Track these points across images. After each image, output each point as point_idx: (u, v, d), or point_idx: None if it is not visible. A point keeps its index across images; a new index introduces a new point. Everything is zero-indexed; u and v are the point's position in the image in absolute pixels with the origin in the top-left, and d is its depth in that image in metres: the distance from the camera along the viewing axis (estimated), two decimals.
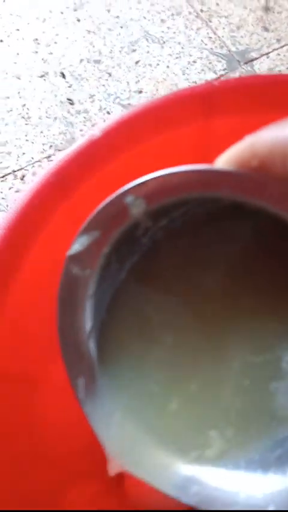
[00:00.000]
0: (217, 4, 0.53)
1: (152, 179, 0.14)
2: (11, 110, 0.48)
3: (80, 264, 0.15)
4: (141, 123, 0.19)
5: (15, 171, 0.45)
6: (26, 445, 0.23)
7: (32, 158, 0.45)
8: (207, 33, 0.51)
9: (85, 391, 0.16)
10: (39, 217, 0.18)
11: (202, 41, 0.51)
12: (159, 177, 0.14)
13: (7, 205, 0.43)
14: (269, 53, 0.50)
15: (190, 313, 0.16)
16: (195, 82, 0.48)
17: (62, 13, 0.54)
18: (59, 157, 0.19)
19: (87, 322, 0.16)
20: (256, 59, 0.49)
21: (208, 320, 0.16)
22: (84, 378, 0.16)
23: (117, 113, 0.47)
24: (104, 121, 0.45)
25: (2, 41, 0.52)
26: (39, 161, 0.45)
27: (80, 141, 0.19)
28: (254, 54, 0.50)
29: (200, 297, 0.16)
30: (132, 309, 0.16)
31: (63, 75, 0.50)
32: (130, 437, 0.16)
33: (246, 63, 0.49)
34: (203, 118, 0.19)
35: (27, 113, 0.48)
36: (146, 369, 0.16)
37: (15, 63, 0.51)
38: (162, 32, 0.51)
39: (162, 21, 0.52)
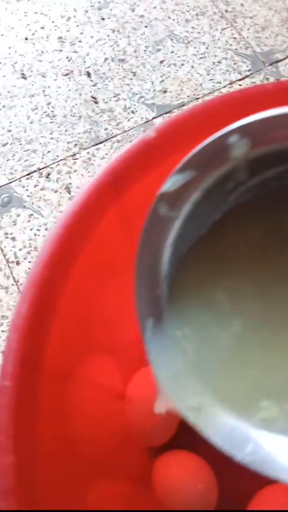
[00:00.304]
0: (242, 5, 0.53)
1: (259, 120, 0.14)
2: (36, 108, 0.48)
3: (168, 204, 0.15)
4: (195, 124, 0.19)
5: (40, 169, 0.45)
6: (58, 438, 0.23)
7: (57, 156, 0.46)
8: (232, 33, 0.51)
9: (151, 332, 0.16)
10: (92, 217, 0.18)
11: (227, 41, 0.50)
12: (268, 117, 0.14)
13: (32, 203, 0.44)
14: None
15: (262, 282, 0.16)
16: (220, 82, 0.48)
17: (86, 12, 0.54)
18: (114, 157, 0.19)
19: (164, 267, 0.16)
20: (281, 60, 0.49)
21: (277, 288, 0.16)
22: (153, 320, 0.16)
23: (143, 112, 0.47)
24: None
25: (26, 38, 0.53)
26: (64, 159, 0.45)
27: (135, 141, 0.19)
28: (279, 56, 0.49)
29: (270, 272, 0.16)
30: (206, 263, 0.16)
31: (88, 74, 0.50)
32: (187, 384, 0.16)
33: (271, 64, 0.49)
34: None
35: (52, 111, 0.48)
36: (215, 320, 0.16)
37: (40, 61, 0.51)
38: (187, 32, 0.51)
39: (187, 21, 0.52)
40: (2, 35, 0.53)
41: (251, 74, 0.49)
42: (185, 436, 0.32)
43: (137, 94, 0.48)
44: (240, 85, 0.48)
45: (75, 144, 0.46)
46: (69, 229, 0.18)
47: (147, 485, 0.30)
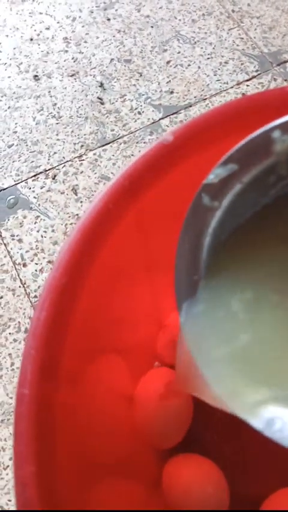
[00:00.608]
0: (249, 5, 0.52)
1: None
2: (41, 109, 0.48)
3: (211, 194, 0.16)
4: (212, 128, 0.19)
5: (46, 171, 0.45)
6: (73, 444, 0.23)
7: (64, 158, 0.45)
8: (239, 33, 0.51)
9: (187, 315, 0.17)
10: (111, 221, 0.18)
11: (234, 41, 0.50)
12: None
13: (39, 204, 0.43)
14: None
15: None
16: (227, 83, 0.48)
17: (91, 12, 0.54)
18: (132, 160, 0.19)
19: (204, 254, 0.17)
20: None
21: None
22: (190, 303, 0.17)
23: (149, 113, 0.47)
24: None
25: (31, 39, 0.52)
26: (70, 161, 0.45)
27: (152, 145, 0.19)
28: (286, 56, 0.49)
29: None
30: (244, 252, 0.17)
31: (94, 75, 0.50)
32: (222, 367, 0.17)
33: (279, 64, 0.49)
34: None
35: (58, 112, 0.48)
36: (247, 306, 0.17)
37: (45, 62, 0.51)
38: (194, 32, 0.51)
39: (194, 21, 0.52)
40: (7, 35, 0.53)
41: (259, 74, 0.48)
42: (195, 439, 0.32)
43: (143, 95, 0.48)
44: (247, 85, 0.48)
45: (82, 145, 0.46)
46: (86, 234, 0.18)
47: (157, 488, 0.30)
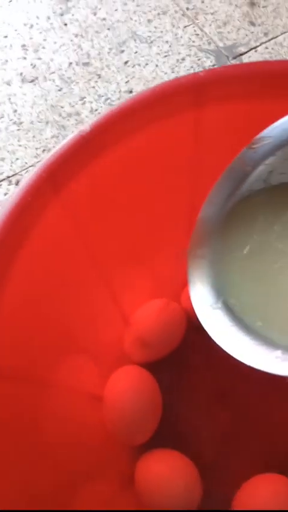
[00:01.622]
0: (202, 1, 0.53)
1: None
2: (2, 117, 0.48)
3: (246, 161, 0.18)
4: (131, 117, 0.19)
5: (9, 177, 0.45)
6: (34, 445, 0.23)
7: (26, 163, 0.45)
8: (194, 30, 0.51)
9: (196, 261, 0.19)
10: (32, 214, 0.18)
11: (190, 38, 0.51)
12: None
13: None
14: (257, 46, 0.50)
15: None
16: None
17: (49, 18, 0.54)
18: (50, 153, 0.19)
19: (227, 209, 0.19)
20: (244, 53, 0.49)
21: None
22: (202, 256, 0.19)
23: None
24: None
25: None
26: (33, 166, 0.45)
27: (71, 137, 0.19)
28: (242, 49, 0.50)
29: None
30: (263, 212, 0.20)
31: (53, 80, 0.50)
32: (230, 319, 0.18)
33: (234, 57, 0.49)
34: (193, 108, 0.19)
35: (18, 119, 0.48)
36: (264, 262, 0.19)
37: (4, 69, 0.51)
38: (150, 31, 0.52)
39: (149, 21, 0.52)
40: None
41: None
42: (167, 435, 0.31)
43: (102, 96, 0.48)
44: None
45: (44, 150, 0.46)
46: (5, 227, 0.17)
47: (130, 486, 0.30)
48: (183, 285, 0.35)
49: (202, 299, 0.19)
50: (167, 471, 0.29)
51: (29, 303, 0.19)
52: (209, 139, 0.20)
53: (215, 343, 0.20)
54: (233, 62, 0.49)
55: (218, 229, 0.20)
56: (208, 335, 0.34)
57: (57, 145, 0.19)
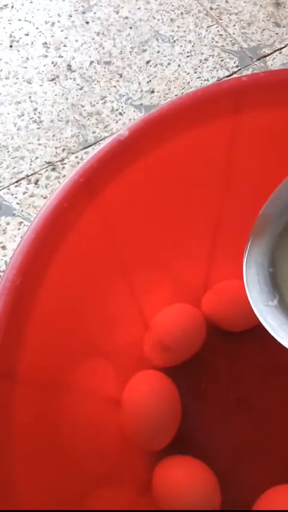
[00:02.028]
0: (226, 1, 0.52)
1: None
2: (22, 115, 0.48)
3: None
4: (169, 121, 0.19)
5: (28, 176, 0.45)
6: (54, 448, 0.22)
7: (45, 162, 0.45)
8: (218, 30, 0.50)
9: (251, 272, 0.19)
10: (67, 220, 0.18)
11: (213, 38, 0.50)
12: None
13: (22, 210, 0.43)
14: (282, 48, 0.49)
15: None
16: (208, 80, 0.48)
17: (70, 16, 0.54)
18: (87, 158, 0.19)
19: None
20: (269, 54, 0.49)
21: None
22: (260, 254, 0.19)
23: (130, 113, 0.47)
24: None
25: (11, 46, 0.52)
26: (52, 165, 0.45)
27: (108, 141, 0.19)
28: (266, 50, 0.49)
29: None
30: None
31: (74, 78, 0.50)
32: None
33: (258, 59, 0.48)
34: (232, 114, 0.18)
35: (39, 117, 0.47)
36: None
37: (25, 67, 0.51)
38: (172, 31, 0.51)
39: (172, 20, 0.52)
40: None
41: (239, 70, 0.48)
42: (185, 441, 0.31)
43: (124, 95, 0.48)
44: None
45: (63, 149, 0.46)
46: (41, 234, 0.17)
47: (148, 492, 0.29)
48: (203, 290, 0.35)
49: (259, 297, 0.19)
50: (185, 478, 0.29)
51: (60, 308, 0.19)
52: (245, 147, 0.20)
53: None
54: (257, 63, 0.48)
55: (279, 227, 0.20)
56: (229, 340, 0.34)
57: (95, 150, 0.19)
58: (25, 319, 0.16)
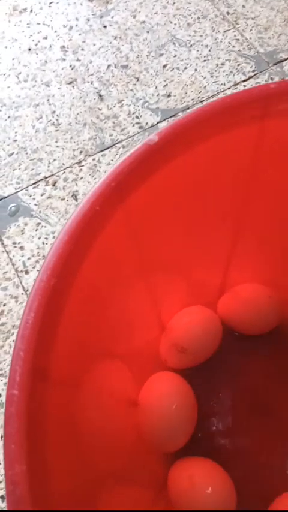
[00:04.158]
0: (243, 6, 0.52)
1: None
2: (40, 118, 0.48)
3: None
4: (197, 127, 0.19)
5: (46, 178, 0.45)
6: (72, 447, 0.23)
7: (63, 164, 0.46)
8: (235, 35, 0.51)
9: None
10: (99, 222, 0.18)
11: (229, 43, 0.50)
12: None
13: (39, 212, 0.44)
14: None
15: None
16: (224, 84, 0.48)
17: (88, 20, 0.54)
18: (118, 162, 0.19)
19: None
20: (285, 59, 0.49)
21: None
22: None
23: (147, 117, 0.47)
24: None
25: (30, 49, 0.53)
26: (70, 167, 0.46)
27: (138, 146, 0.19)
28: (283, 55, 0.49)
29: None
30: None
31: (91, 82, 0.50)
32: None
33: (275, 64, 0.49)
34: (259, 121, 0.19)
35: (57, 120, 0.48)
36: None
37: (43, 71, 0.51)
38: (189, 35, 0.51)
39: (189, 24, 0.52)
40: (6, 47, 0.54)
41: (255, 74, 0.48)
42: (201, 443, 0.31)
43: (140, 99, 0.48)
44: (244, 86, 0.47)
45: (81, 151, 0.46)
46: (74, 236, 0.18)
47: (163, 492, 0.29)
48: (220, 293, 0.35)
49: None
50: (201, 480, 0.29)
51: (86, 310, 0.19)
52: (270, 153, 0.20)
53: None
54: (274, 68, 0.48)
55: None
56: (245, 344, 0.34)
57: (125, 154, 0.19)
58: (57, 320, 0.17)
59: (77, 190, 0.44)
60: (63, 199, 0.44)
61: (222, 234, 0.28)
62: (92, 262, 0.18)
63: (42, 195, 0.44)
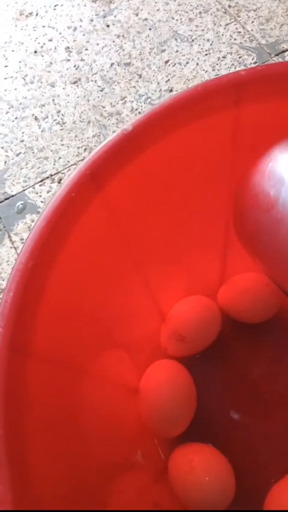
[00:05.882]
0: None
1: None
2: (46, 117, 0.50)
3: None
4: (171, 115, 0.20)
5: (52, 175, 0.46)
6: (71, 431, 0.24)
7: (68, 162, 0.47)
8: (236, 28, 0.51)
9: None
10: (75, 209, 0.19)
11: (231, 36, 0.51)
12: None
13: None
14: None
15: None
16: None
17: (91, 20, 0.55)
18: (94, 151, 0.20)
19: None
20: (287, 50, 0.49)
21: None
22: None
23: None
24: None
25: (35, 52, 0.55)
26: (75, 164, 0.47)
27: (113, 135, 0.20)
28: (285, 46, 0.49)
29: None
30: None
31: (95, 80, 0.51)
32: None
33: (277, 54, 0.49)
34: (233, 107, 0.19)
35: (62, 119, 0.49)
36: None
37: (49, 72, 0.53)
38: (191, 30, 0.52)
39: (191, 20, 0.52)
40: (13, 50, 0.55)
41: (257, 65, 0.48)
42: (201, 428, 0.32)
43: (143, 95, 0.49)
44: None
45: (85, 149, 0.47)
46: (51, 221, 0.18)
47: (164, 476, 0.30)
48: (220, 283, 0.36)
49: None
50: (200, 464, 0.29)
51: (72, 294, 0.20)
52: (247, 138, 0.21)
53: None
54: (275, 59, 0.48)
55: None
56: (244, 332, 0.34)
57: (100, 144, 0.20)
58: (37, 300, 0.18)
59: None
60: None
61: (218, 222, 0.29)
62: (72, 248, 0.19)
63: (48, 192, 0.46)
